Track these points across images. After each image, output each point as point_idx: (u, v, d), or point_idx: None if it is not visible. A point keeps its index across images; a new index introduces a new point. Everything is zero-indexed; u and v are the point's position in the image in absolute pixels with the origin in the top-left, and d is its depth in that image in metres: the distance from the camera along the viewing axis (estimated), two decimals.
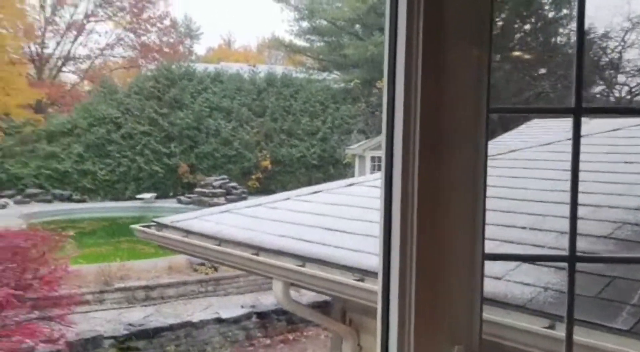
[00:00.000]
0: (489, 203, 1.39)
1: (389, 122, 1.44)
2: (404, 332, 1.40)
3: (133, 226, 4.70)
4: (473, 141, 1.39)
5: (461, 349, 1.40)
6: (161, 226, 4.57)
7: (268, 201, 4.58)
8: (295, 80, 25.99)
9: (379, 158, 3.13)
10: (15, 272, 6.18)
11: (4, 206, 17.64)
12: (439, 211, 1.38)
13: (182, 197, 20.76)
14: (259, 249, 3.67)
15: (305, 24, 28.56)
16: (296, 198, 4.49)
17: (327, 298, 4.76)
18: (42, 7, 26.98)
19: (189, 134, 23.11)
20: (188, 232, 4.27)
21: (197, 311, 9.77)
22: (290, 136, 24.55)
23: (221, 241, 3.94)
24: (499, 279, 2.49)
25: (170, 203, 20.40)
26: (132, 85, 24.06)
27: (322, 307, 5.46)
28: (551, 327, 2.17)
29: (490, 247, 1.39)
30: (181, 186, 22.38)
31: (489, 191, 1.41)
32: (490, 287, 2.42)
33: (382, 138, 1.46)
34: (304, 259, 3.35)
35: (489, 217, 1.39)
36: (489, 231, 1.38)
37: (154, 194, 21.23)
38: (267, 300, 10.00)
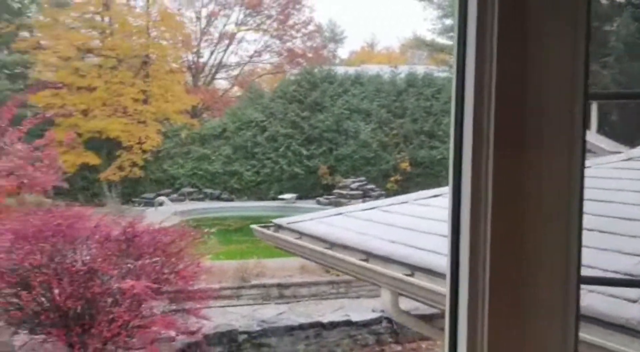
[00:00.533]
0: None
1: (457, 114, 1.17)
2: None
3: (253, 226, 4.76)
4: (566, 137, 1.08)
5: None
6: (278, 227, 4.57)
7: (384, 204, 4.36)
8: (437, 80, 25.31)
9: None
10: (154, 266, 6.59)
11: (161, 204, 19.24)
12: (520, 225, 1.09)
13: (320, 199, 21.14)
14: (368, 255, 3.48)
15: (448, 22, 27.77)
16: (414, 202, 4.22)
17: None
18: (198, 18, 29.17)
19: (328, 137, 23.49)
20: (301, 234, 4.21)
21: (328, 312, 9.78)
22: (430, 138, 23.95)
23: (332, 244, 3.82)
24: (634, 303, 2.05)
25: (310, 204, 20.87)
26: (276, 89, 25.05)
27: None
28: None
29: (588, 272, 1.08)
30: (320, 188, 22.81)
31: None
32: (621, 311, 2.01)
33: (450, 136, 1.20)
34: (413, 268, 3.10)
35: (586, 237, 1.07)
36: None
37: (295, 195, 21.87)
38: (401, 305, 9.74)
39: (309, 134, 23.45)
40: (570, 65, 1.07)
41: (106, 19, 23.38)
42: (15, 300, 6.26)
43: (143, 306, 6.44)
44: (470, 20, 1.11)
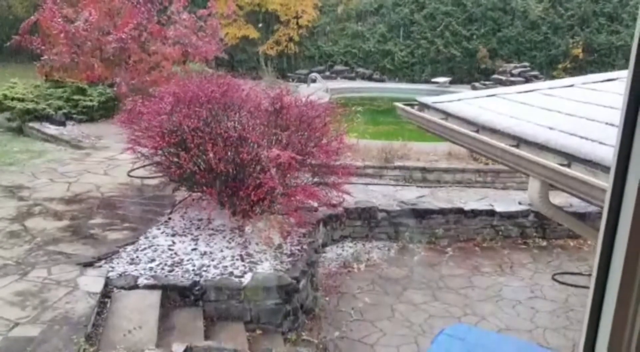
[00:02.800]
0: None
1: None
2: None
3: (396, 104, 4.53)
4: None
5: None
6: (423, 106, 4.29)
7: (545, 87, 3.85)
8: None
9: None
10: (300, 138, 6.71)
11: (314, 80, 19.50)
12: None
13: (476, 84, 19.99)
14: (519, 141, 3.13)
15: None
16: (582, 85, 3.66)
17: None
18: None
19: (492, 16, 21.61)
20: (448, 115, 3.90)
21: (471, 200, 9.51)
22: (612, 21, 21.03)
23: (480, 127, 3.49)
24: None
25: (465, 89, 19.86)
26: None
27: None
28: None
29: None
30: (478, 72, 21.49)
31: None
32: None
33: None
34: (570, 158, 2.72)
35: None
36: None
37: (449, 78, 20.90)
38: (551, 199, 9.16)
39: (471, 13, 21.74)
40: None
41: None
42: (176, 159, 6.81)
43: (288, 175, 6.67)
44: None
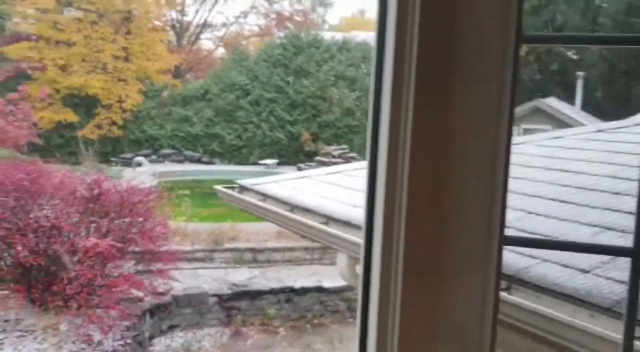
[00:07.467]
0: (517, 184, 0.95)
1: (378, 62, 1.03)
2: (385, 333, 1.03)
3: (216, 187, 4.63)
4: (496, 82, 0.95)
5: None
6: (242, 189, 4.44)
7: (349, 168, 4.25)
8: None
9: None
10: (121, 225, 6.46)
11: (139, 164, 18.98)
12: (439, 175, 0.97)
13: (302, 165, 20.99)
14: (328, 218, 3.37)
15: None
16: None
17: None
18: None
19: (312, 103, 23.22)
20: (265, 196, 4.09)
21: (301, 277, 9.77)
22: None
23: (293, 207, 3.70)
24: (586, 273, 1.97)
25: (291, 170, 20.74)
26: (261, 52, 24.59)
27: None
28: None
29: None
30: (303, 154, 22.64)
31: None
32: (571, 282, 1.93)
33: (371, 83, 1.07)
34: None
35: (514, 199, 0.96)
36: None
37: (277, 161, 21.70)
38: (358, 270, 9.73)
39: (293, 100, 23.15)
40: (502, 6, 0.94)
41: None
42: None
43: (108, 265, 6.33)
44: None
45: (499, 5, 0.93)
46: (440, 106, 0.95)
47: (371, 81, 1.04)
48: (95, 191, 6.45)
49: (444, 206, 0.96)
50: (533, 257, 2.24)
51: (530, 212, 2.66)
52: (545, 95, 19.69)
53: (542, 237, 2.23)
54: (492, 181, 0.95)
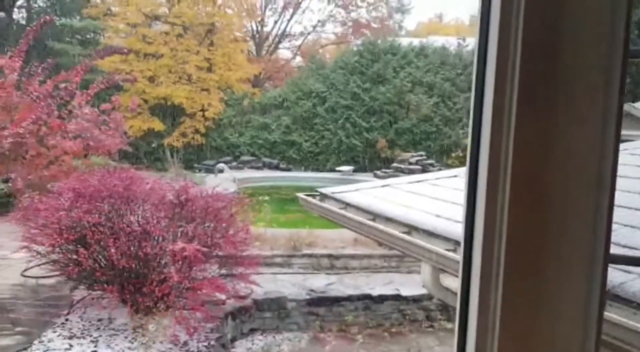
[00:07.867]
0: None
1: (480, 59, 1.04)
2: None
3: (299, 194, 4.72)
4: (602, 94, 0.94)
5: None
6: (323, 197, 4.51)
7: (433, 177, 4.22)
8: None
9: None
10: (205, 230, 6.71)
11: (221, 171, 19.61)
12: (542, 189, 0.97)
13: (378, 172, 20.94)
14: (410, 228, 3.37)
15: None
16: (464, 176, 4.04)
17: None
18: None
19: (389, 109, 23.13)
20: (346, 204, 4.13)
21: (378, 285, 9.73)
22: None
23: (375, 215, 3.72)
24: None
25: (367, 177, 20.72)
26: (337, 60, 24.79)
27: None
28: None
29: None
30: (379, 161, 22.58)
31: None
32: None
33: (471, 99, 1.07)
34: (456, 243, 2.97)
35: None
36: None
37: (352, 167, 21.77)
38: (444, 281, 9.56)
39: (369, 106, 23.16)
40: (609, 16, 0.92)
41: None
42: (74, 256, 6.54)
43: (194, 268, 6.58)
44: None
45: (605, 21, 0.92)
46: (543, 118, 0.95)
47: (472, 92, 1.05)
48: (183, 197, 6.74)
49: (546, 217, 0.96)
50: (629, 272, 2.14)
51: (625, 225, 2.54)
52: (635, 99, 18.59)
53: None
54: (598, 196, 0.94)
